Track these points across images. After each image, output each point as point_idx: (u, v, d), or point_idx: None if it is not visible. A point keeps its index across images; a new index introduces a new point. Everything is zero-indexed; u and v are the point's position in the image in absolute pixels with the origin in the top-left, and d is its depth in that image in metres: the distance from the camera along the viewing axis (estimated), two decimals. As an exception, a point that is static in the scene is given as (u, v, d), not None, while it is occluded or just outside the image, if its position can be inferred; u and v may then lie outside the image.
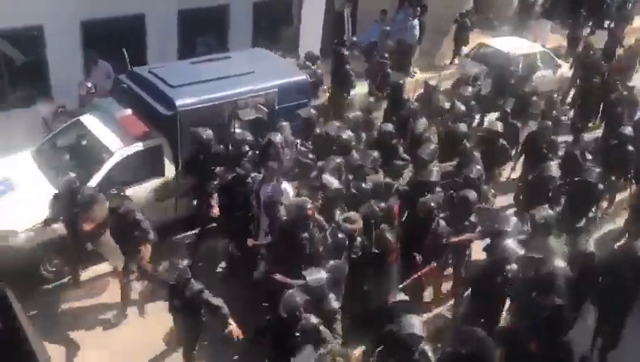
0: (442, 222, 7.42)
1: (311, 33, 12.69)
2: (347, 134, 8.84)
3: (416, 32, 14.84)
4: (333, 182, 7.51)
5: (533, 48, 15.13)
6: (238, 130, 8.56)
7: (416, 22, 14.74)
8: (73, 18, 9.59)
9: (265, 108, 9.08)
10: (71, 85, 9.44)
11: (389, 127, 9.25)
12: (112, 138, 8.32)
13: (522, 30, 17.45)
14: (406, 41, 14.79)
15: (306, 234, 6.79)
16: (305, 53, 11.65)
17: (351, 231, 6.99)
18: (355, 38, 13.57)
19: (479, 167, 8.47)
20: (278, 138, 8.22)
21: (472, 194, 7.64)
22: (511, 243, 6.80)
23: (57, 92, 9.52)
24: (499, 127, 9.77)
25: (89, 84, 9.43)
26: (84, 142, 8.59)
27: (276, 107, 9.22)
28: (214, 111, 8.60)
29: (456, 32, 15.92)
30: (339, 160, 8.18)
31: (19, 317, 5.39)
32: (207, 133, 8.18)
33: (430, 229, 7.35)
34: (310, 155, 8.50)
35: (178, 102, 8.28)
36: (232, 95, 8.85)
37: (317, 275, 5.97)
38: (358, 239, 7.08)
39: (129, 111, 8.64)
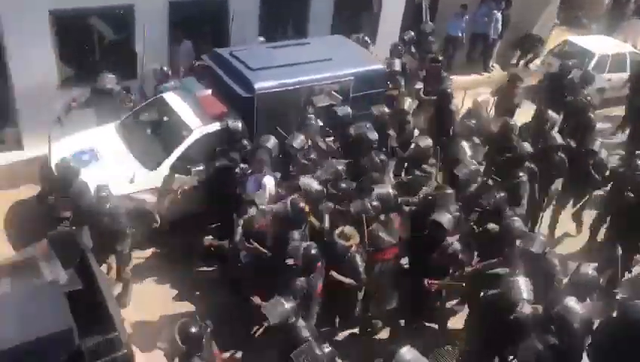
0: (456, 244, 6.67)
1: (390, 22, 12.60)
2: (374, 135, 8.33)
3: (499, 25, 14.49)
4: (311, 184, 7.12)
5: (622, 48, 14.46)
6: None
7: (499, 15, 14.39)
8: (163, -2, 9.97)
9: (339, 96, 9.16)
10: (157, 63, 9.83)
11: (428, 142, 8.45)
12: (192, 116, 8.64)
13: (613, 30, 16.68)
14: (488, 34, 14.49)
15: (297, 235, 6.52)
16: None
17: (346, 249, 6.55)
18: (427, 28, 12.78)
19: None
20: (299, 140, 7.97)
21: (517, 223, 6.82)
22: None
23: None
24: (557, 139, 8.81)
25: (165, 67, 9.77)
26: (165, 119, 8.99)
27: (351, 95, 9.29)
28: (291, 96, 8.77)
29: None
30: (341, 166, 7.75)
31: (97, 278, 5.73)
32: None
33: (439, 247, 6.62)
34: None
35: (257, 85, 8.50)
36: (308, 81, 8.98)
37: (278, 309, 5.39)
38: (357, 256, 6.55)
39: (209, 91, 8.95)
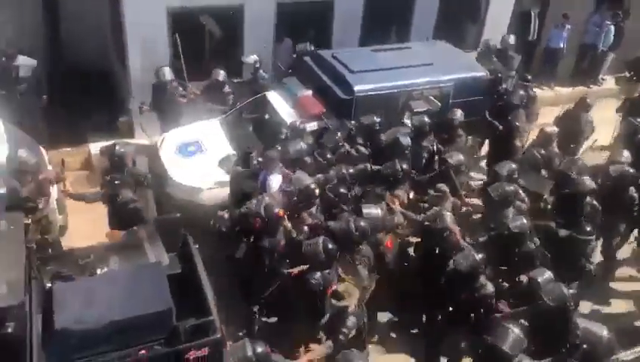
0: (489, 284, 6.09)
1: (495, 31, 12.32)
2: (406, 140, 8.14)
3: (611, 37, 13.77)
4: (304, 180, 6.94)
5: None
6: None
7: (612, 27, 13.68)
8: (271, -1, 10.32)
9: (437, 102, 9.10)
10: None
11: (459, 158, 7.84)
12: (292, 115, 8.89)
13: None
14: (597, 45, 13.81)
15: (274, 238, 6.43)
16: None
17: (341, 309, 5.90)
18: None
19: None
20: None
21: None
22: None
23: (246, 68, 10.34)
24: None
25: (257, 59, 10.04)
26: (266, 116, 9.30)
27: (450, 101, 9.20)
28: (389, 100, 8.84)
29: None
30: (351, 170, 7.50)
31: (196, 261, 6.03)
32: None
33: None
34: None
35: (356, 87, 8.62)
36: (407, 85, 9.02)
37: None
38: (351, 319, 5.85)
39: (309, 91, 9.17)
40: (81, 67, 9.59)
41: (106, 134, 9.53)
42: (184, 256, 6.21)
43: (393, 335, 7.51)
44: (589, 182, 7.24)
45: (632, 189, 7.76)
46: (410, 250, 7.23)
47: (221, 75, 9.49)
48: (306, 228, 6.71)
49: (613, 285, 8.44)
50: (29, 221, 6.46)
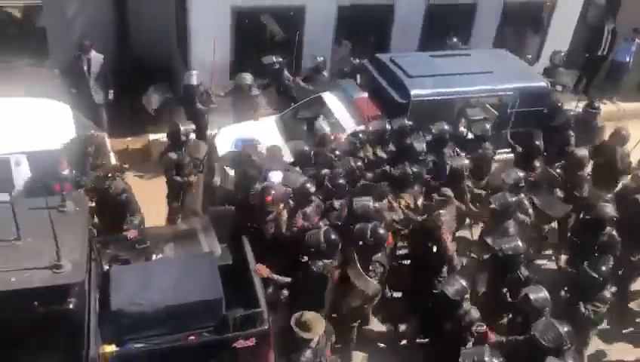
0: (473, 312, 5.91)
1: (557, 43, 12.08)
2: (421, 146, 8.01)
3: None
4: (297, 179, 7.04)
5: None
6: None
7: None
8: (332, 2, 10.43)
9: (494, 111, 9.00)
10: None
11: (462, 162, 7.81)
12: (347, 117, 8.96)
13: None
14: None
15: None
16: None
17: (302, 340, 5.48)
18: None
19: None
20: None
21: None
22: None
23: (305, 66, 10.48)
24: None
25: (319, 58, 10.12)
26: (321, 117, 9.39)
27: (509, 111, 9.08)
28: (445, 106, 8.79)
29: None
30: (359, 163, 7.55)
31: (247, 253, 6.17)
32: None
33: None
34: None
35: (413, 92, 8.62)
36: (465, 92, 8.97)
37: None
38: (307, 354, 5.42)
39: (365, 94, 9.23)
40: (146, 63, 9.89)
41: (165, 128, 9.81)
42: (236, 248, 6.37)
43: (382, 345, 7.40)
44: (610, 209, 7.00)
45: None
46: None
47: (248, 78, 9.52)
48: (295, 228, 6.81)
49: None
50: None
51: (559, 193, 7.90)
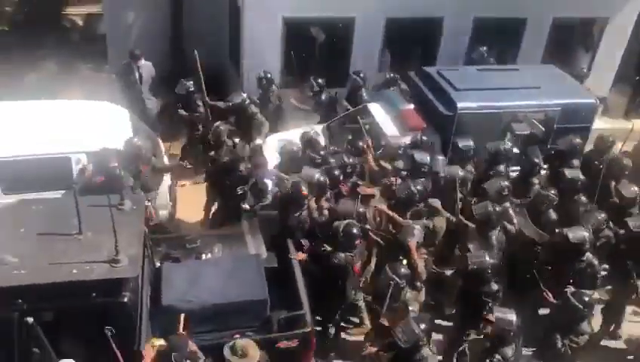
0: None
1: (607, 61, 11.96)
2: (423, 158, 7.83)
3: None
4: (313, 174, 7.14)
5: None
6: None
7: None
8: (381, 14, 10.58)
9: (540, 126, 8.96)
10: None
11: (452, 172, 7.63)
12: (391, 127, 9.07)
13: None
14: None
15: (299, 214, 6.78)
16: None
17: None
18: None
19: None
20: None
21: None
22: None
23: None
24: None
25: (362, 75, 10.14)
26: (367, 127, 9.51)
27: (555, 126, 9.04)
28: (492, 120, 8.78)
29: None
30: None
31: (292, 261, 6.35)
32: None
33: None
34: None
35: (459, 105, 8.67)
36: (512, 106, 8.95)
37: None
38: None
39: (411, 105, 9.33)
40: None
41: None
42: (281, 252, 6.57)
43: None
44: (582, 234, 6.60)
45: None
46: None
47: (242, 97, 9.45)
48: (325, 211, 7.09)
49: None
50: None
51: (553, 215, 7.48)
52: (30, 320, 4.61)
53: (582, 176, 7.83)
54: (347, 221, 6.52)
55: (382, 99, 9.75)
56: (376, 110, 9.47)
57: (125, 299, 5.09)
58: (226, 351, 5.11)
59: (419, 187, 7.27)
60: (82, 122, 7.75)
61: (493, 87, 9.15)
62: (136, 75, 9.92)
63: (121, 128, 7.84)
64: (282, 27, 10.21)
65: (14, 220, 5.42)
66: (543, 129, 8.98)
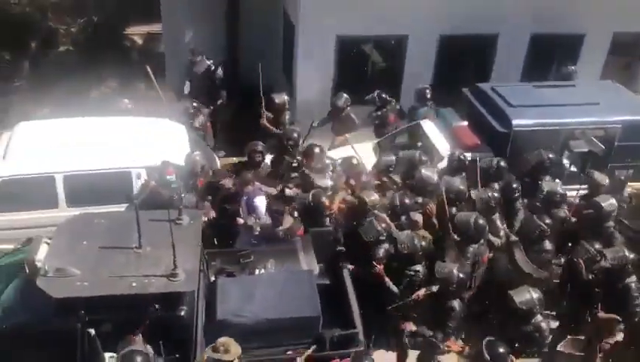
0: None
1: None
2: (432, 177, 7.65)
3: None
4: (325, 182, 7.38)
5: None
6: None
7: None
8: (434, 31, 10.60)
9: (600, 144, 8.71)
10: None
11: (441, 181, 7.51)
12: (445, 144, 9.00)
13: None
14: None
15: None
16: None
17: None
18: None
19: None
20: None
21: None
22: None
23: (405, 94, 10.62)
24: None
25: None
26: (419, 143, 9.48)
27: (615, 144, 8.77)
28: (548, 137, 8.58)
29: None
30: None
31: (345, 278, 6.36)
32: None
33: None
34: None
35: (515, 121, 8.53)
36: (569, 123, 8.74)
37: None
38: None
39: (465, 123, 9.24)
40: (254, 83, 10.42)
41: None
42: (334, 268, 6.58)
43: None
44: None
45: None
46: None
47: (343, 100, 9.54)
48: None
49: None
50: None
51: (548, 246, 6.99)
52: (92, 331, 4.74)
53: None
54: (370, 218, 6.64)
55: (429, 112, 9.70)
56: (429, 127, 9.42)
57: (182, 313, 5.22)
58: (209, 348, 5.12)
59: (419, 200, 7.29)
60: (142, 138, 8.03)
61: (549, 104, 8.96)
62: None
63: (179, 144, 8.06)
64: (335, 45, 10.32)
65: (77, 233, 5.63)
66: (603, 147, 8.72)
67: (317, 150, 8.07)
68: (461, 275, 6.18)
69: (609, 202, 7.15)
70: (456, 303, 6.16)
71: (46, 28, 12.77)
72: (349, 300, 6.04)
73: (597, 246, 6.70)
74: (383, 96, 9.81)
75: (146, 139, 7.99)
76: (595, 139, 8.72)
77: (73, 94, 9.84)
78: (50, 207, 7.45)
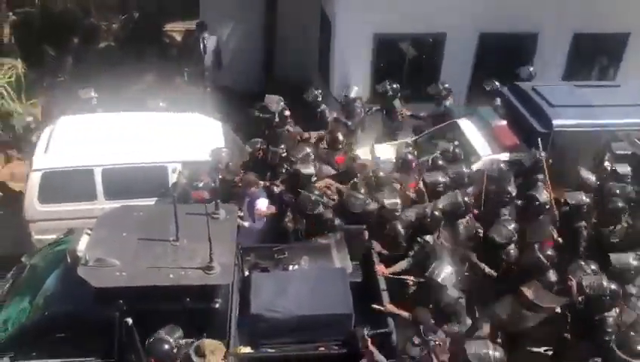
0: None
1: None
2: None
3: None
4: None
5: None
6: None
7: None
8: (474, 29, 10.46)
9: (643, 145, 8.47)
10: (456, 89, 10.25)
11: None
12: (483, 144, 8.87)
13: None
14: None
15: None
16: None
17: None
18: None
19: None
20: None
21: None
22: None
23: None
24: None
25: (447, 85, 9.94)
26: (456, 142, 9.36)
27: (661, 147, 8.52)
28: (590, 138, 8.39)
29: None
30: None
31: (377, 277, 6.36)
32: None
33: None
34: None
35: (555, 122, 8.37)
36: (612, 124, 8.54)
37: None
38: None
39: (504, 122, 9.09)
40: (290, 82, 10.42)
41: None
42: (366, 266, 6.57)
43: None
44: None
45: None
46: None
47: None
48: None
49: None
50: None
51: (553, 276, 6.56)
52: (129, 320, 4.83)
53: None
54: None
55: (472, 115, 9.57)
56: (466, 126, 9.30)
57: (217, 306, 5.29)
58: (193, 350, 5.05)
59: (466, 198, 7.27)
60: (178, 133, 8.14)
61: (591, 104, 8.76)
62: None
63: (214, 140, 8.14)
64: (373, 43, 10.27)
65: (117, 225, 5.75)
66: (647, 151, 8.47)
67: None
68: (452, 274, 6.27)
69: (579, 198, 7.28)
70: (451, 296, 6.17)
71: (89, 24, 13.01)
72: (382, 298, 6.02)
73: (592, 266, 6.43)
74: (447, 85, 9.72)
75: (182, 135, 8.11)
76: (638, 142, 8.50)
77: (114, 89, 10.00)
78: (89, 199, 7.62)
